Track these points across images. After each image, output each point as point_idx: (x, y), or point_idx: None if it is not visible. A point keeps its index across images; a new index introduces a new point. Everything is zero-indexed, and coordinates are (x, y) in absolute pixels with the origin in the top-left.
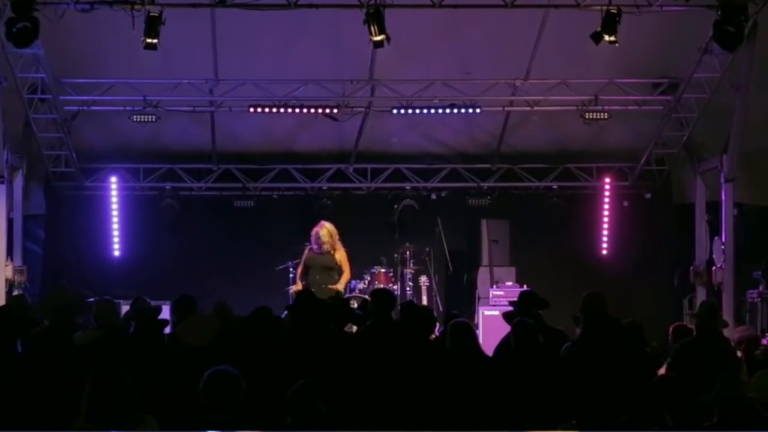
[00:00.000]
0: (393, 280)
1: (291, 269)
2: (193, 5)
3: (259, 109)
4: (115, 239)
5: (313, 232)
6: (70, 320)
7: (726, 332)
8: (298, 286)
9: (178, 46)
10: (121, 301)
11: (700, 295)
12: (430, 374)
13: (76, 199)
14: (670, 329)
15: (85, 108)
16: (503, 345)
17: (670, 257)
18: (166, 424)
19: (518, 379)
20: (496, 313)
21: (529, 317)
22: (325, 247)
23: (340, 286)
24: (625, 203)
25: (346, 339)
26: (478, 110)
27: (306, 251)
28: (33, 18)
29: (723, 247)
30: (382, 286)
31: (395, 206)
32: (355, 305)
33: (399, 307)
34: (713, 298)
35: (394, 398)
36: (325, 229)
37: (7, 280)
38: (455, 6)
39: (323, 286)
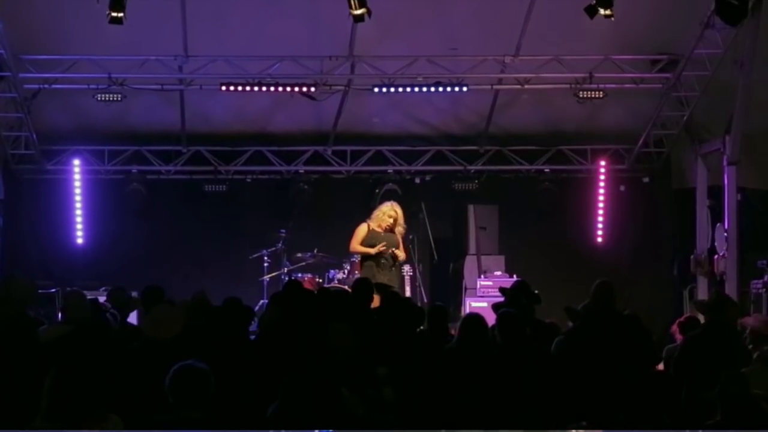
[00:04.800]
0: None
1: (265, 257)
2: None
3: (232, 88)
4: (79, 226)
5: (390, 212)
6: (22, 311)
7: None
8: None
9: (145, 20)
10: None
11: (701, 285)
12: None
13: (37, 183)
14: (677, 322)
15: (46, 86)
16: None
17: (670, 245)
18: (132, 423)
19: (502, 373)
20: (485, 304)
21: (519, 308)
22: (399, 228)
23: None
24: (622, 187)
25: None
26: (464, 89)
27: (366, 229)
28: None
29: (726, 234)
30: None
31: (377, 191)
32: None
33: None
34: (716, 289)
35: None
36: (400, 210)
37: None
38: None
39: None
